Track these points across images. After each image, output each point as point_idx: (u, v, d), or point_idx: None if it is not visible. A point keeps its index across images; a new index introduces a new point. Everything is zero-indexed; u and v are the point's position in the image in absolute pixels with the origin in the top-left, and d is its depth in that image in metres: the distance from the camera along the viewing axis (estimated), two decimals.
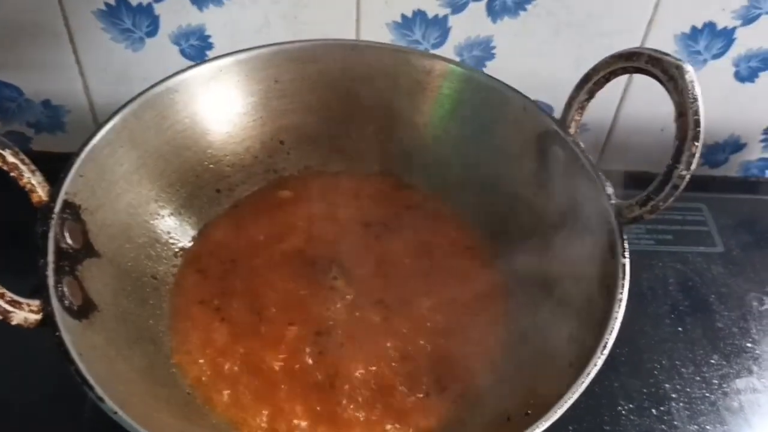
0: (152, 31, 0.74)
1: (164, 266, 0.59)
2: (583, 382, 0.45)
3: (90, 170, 0.54)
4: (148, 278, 0.58)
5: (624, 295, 0.49)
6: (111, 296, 0.52)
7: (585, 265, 0.53)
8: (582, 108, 0.58)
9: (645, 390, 0.64)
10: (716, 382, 0.65)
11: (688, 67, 0.50)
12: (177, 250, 0.61)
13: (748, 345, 0.68)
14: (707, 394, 0.64)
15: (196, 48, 0.76)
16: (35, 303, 0.45)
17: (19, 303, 0.44)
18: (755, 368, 0.66)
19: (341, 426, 0.51)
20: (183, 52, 0.77)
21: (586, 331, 0.49)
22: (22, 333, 0.45)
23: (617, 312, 0.48)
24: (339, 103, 0.67)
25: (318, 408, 0.52)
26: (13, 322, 0.44)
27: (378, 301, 0.59)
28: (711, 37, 0.75)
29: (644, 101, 0.81)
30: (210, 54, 0.77)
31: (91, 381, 0.43)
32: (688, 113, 0.49)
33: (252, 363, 0.54)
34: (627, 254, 0.51)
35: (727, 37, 0.75)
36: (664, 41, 0.75)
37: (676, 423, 0.62)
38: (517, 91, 0.62)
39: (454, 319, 0.57)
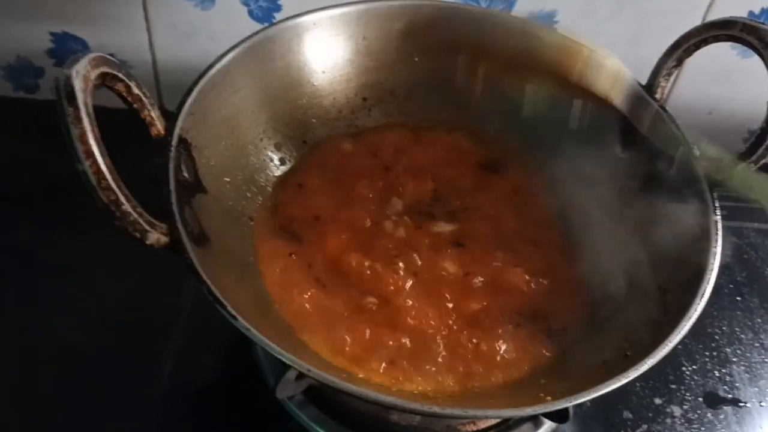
0: None
1: (258, 208, 0.61)
2: (685, 326, 0.47)
3: (199, 110, 0.55)
4: (245, 218, 0.59)
5: (719, 248, 0.51)
6: (218, 231, 0.54)
7: (675, 227, 0.55)
8: (669, 74, 0.61)
9: (707, 353, 0.67)
10: None
11: None
12: (268, 193, 0.63)
13: None
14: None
15: (264, 9, 0.78)
16: (164, 226, 0.47)
17: (154, 224, 0.46)
18: None
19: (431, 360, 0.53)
20: (251, 13, 0.78)
21: (678, 285, 0.52)
22: None
23: (713, 263, 0.50)
24: (422, 62, 0.68)
25: (408, 344, 0.54)
26: (148, 242, 0.46)
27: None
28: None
29: (694, 84, 0.84)
30: (278, 16, 0.78)
31: (223, 299, 0.44)
32: None
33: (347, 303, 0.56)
34: (718, 212, 0.53)
35: None
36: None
37: (737, 385, 0.65)
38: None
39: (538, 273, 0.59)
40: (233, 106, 0.60)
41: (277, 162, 0.64)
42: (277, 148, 0.65)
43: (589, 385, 0.46)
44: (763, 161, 0.53)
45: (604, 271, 0.57)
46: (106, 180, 0.42)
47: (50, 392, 0.61)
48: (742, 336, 0.69)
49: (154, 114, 0.52)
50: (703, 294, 0.48)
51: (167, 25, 0.80)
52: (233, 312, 0.44)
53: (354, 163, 0.66)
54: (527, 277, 0.58)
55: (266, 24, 0.72)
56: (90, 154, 0.41)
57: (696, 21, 0.76)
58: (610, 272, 0.57)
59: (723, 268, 0.73)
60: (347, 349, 0.53)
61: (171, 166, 0.51)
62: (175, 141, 0.52)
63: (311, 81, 0.66)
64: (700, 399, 0.64)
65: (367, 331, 0.54)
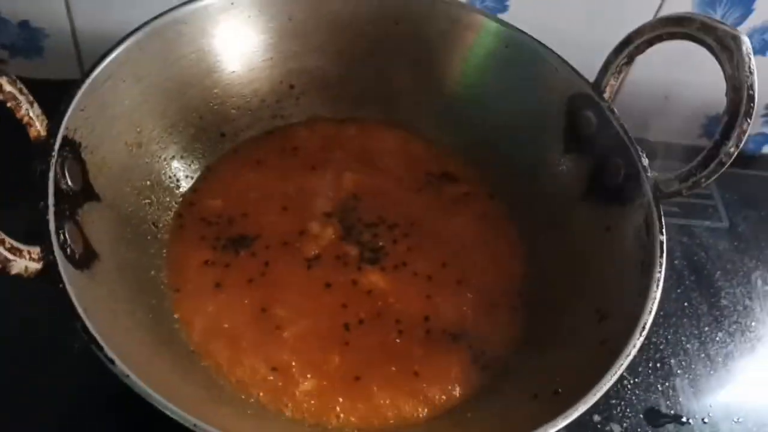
0: None
1: (165, 213, 0.55)
2: (622, 364, 0.43)
3: (91, 105, 0.49)
4: (148, 225, 0.54)
5: (662, 274, 0.47)
6: (111, 245, 0.48)
7: (616, 242, 0.51)
8: (619, 72, 0.56)
9: (650, 364, 0.63)
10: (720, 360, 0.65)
11: (745, 38, 0.47)
12: (178, 195, 0.57)
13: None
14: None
15: None
16: (35, 250, 0.41)
17: (20, 250, 0.40)
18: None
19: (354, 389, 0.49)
20: None
21: (618, 310, 0.48)
22: None
23: (655, 292, 0.46)
24: (354, 48, 0.62)
25: (332, 360, 0.50)
26: (13, 272, 0.39)
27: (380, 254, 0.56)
28: (730, 5, 0.73)
29: (650, 67, 0.79)
30: None
31: (101, 341, 0.39)
32: (743, 88, 0.46)
33: (257, 317, 0.51)
34: (664, 231, 0.49)
35: (746, 6, 0.73)
36: (681, 4, 0.72)
37: (680, 400, 0.62)
38: (549, 49, 0.58)
39: (473, 285, 0.55)
40: (135, 98, 0.53)
41: (190, 159, 0.58)
42: (190, 143, 0.58)
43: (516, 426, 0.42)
44: (714, 177, 0.48)
45: (544, 290, 0.53)
46: None
47: None
48: (688, 346, 0.65)
49: (33, 113, 0.45)
50: (643, 328, 0.44)
51: None
52: (111, 356, 0.38)
53: (279, 161, 0.60)
54: (462, 298, 0.53)
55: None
56: None
57: (655, 3, 0.72)
58: (550, 291, 0.53)
59: (671, 271, 0.71)
60: (259, 389, 0.48)
61: (51, 174, 0.44)
62: (58, 144, 0.45)
63: (228, 68, 0.60)
64: (641, 416, 0.60)
65: (285, 363, 0.49)
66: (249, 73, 0.61)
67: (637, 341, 0.44)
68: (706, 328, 0.67)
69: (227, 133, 0.61)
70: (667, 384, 0.63)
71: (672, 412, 0.61)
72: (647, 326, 0.45)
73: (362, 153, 0.61)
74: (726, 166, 0.48)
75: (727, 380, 0.63)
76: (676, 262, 0.71)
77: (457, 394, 0.49)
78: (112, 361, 0.38)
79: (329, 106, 0.64)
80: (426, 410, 0.49)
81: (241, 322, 0.50)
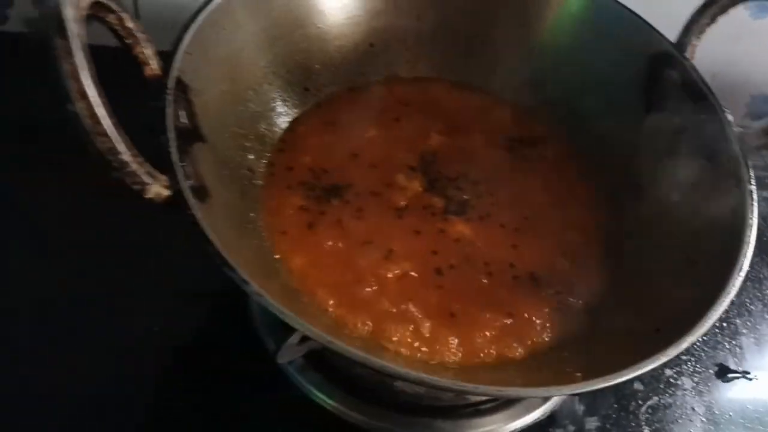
0: None
1: (258, 161, 0.56)
2: (725, 299, 0.44)
3: (197, 49, 0.50)
4: (244, 171, 0.55)
5: (754, 220, 0.48)
6: (217, 184, 0.49)
7: (704, 196, 0.52)
8: (701, 32, 0.57)
9: (717, 324, 0.65)
10: None
11: None
12: (268, 145, 0.58)
13: None
14: None
15: None
16: (164, 178, 0.42)
17: (155, 175, 0.41)
18: None
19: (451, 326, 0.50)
20: None
21: (708, 257, 0.49)
22: None
23: (749, 236, 0.47)
24: (439, 9, 0.63)
25: (429, 299, 0.51)
26: (147, 195, 0.41)
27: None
28: None
29: (701, 46, 0.80)
30: None
31: (232, 261, 0.40)
32: None
33: (353, 259, 0.52)
34: (753, 181, 0.50)
35: None
36: None
37: (747, 357, 0.63)
38: (632, 11, 0.60)
39: (556, 237, 0.56)
40: (233, 45, 0.55)
41: (279, 110, 0.59)
42: (279, 94, 0.59)
43: (617, 360, 0.43)
44: None
45: (630, 241, 0.54)
46: (101, 125, 0.37)
47: (23, 345, 0.56)
48: (752, 307, 0.67)
49: (149, 51, 0.47)
50: (741, 268, 0.46)
51: None
52: (244, 276, 0.40)
53: (360, 117, 0.61)
54: (546, 248, 0.55)
55: None
56: (83, 95, 0.36)
57: None
58: (636, 243, 0.54)
59: None
60: (362, 323, 0.49)
61: (169, 110, 0.45)
62: (172, 82, 0.47)
63: (316, 23, 0.61)
64: (711, 371, 0.62)
65: (385, 301, 0.50)
66: (334, 29, 0.62)
67: (737, 281, 0.45)
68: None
69: (311, 87, 0.62)
70: (734, 342, 0.64)
71: (740, 368, 0.62)
72: (744, 268, 0.46)
73: (443, 112, 0.62)
74: None
75: None
76: None
77: (550, 336, 0.50)
78: (245, 282, 0.40)
79: (409, 66, 0.65)
80: (521, 349, 0.50)
81: (339, 262, 0.52)
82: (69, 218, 0.64)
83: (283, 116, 0.60)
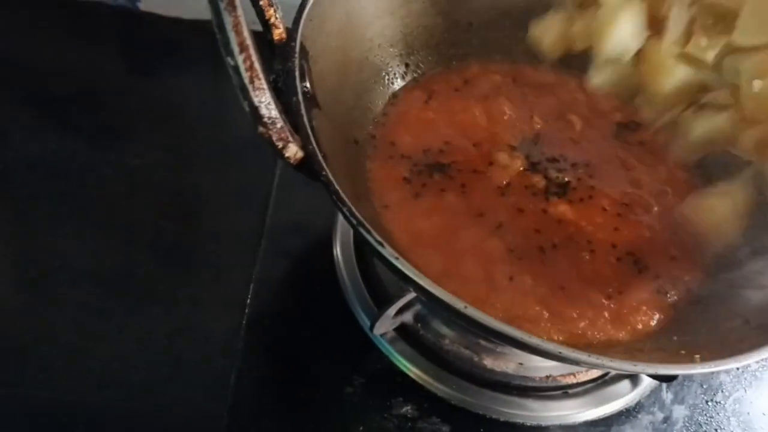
0: None
1: (362, 132, 0.57)
2: None
3: (317, 16, 0.50)
4: (351, 143, 0.55)
5: None
6: (332, 151, 0.49)
7: None
8: None
9: None
10: None
11: None
12: (371, 119, 0.58)
13: None
14: None
15: None
16: (299, 138, 0.42)
17: (295, 136, 0.41)
18: None
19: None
20: None
21: None
22: None
23: None
24: None
25: (534, 274, 0.51)
26: (286, 154, 0.41)
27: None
28: None
29: None
30: None
31: (369, 227, 0.40)
32: None
33: (459, 232, 0.53)
34: None
35: None
36: None
37: None
38: None
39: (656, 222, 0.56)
40: (344, 18, 0.55)
41: (381, 84, 0.60)
42: (382, 68, 0.60)
43: (725, 347, 0.43)
44: None
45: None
46: (260, 79, 0.37)
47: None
48: None
49: (278, 15, 0.47)
50: None
51: None
52: (380, 239, 0.40)
53: (460, 96, 0.62)
54: (647, 233, 0.55)
55: None
56: (244, 47, 0.36)
57: None
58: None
59: None
60: (475, 286, 0.49)
61: (297, 73, 0.46)
62: (298, 46, 0.47)
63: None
64: None
65: (487, 267, 0.50)
66: (432, 7, 0.62)
67: None
68: None
69: (410, 64, 0.62)
70: None
71: None
72: None
73: (543, 94, 0.62)
74: None
75: None
76: None
77: (656, 320, 0.50)
78: (381, 244, 0.40)
79: (506, 48, 0.65)
80: (624, 333, 0.50)
81: (445, 233, 0.52)
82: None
83: (384, 91, 0.60)
